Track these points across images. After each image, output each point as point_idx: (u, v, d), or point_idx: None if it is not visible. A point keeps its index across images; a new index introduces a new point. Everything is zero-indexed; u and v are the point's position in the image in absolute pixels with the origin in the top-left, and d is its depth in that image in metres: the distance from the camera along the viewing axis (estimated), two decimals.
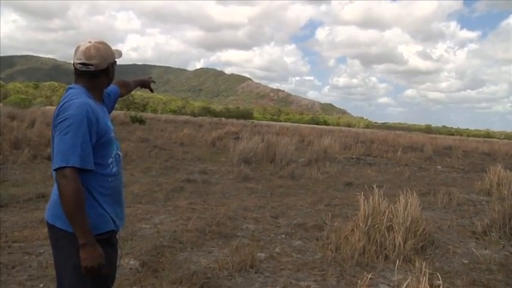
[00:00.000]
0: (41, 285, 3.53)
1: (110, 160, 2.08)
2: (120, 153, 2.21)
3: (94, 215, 1.98)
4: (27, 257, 4.08)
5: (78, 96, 2.01)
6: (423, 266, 3.12)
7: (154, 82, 3.05)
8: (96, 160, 1.99)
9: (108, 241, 2.06)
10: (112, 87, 2.43)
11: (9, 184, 7.48)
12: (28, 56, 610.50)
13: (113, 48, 2.20)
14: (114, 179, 2.10)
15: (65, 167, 1.85)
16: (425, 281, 2.84)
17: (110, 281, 2.16)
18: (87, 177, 1.96)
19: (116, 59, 2.20)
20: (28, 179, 8.14)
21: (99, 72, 2.10)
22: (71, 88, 2.10)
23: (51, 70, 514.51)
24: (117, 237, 2.25)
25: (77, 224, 1.86)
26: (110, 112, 2.39)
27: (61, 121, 1.93)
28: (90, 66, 2.06)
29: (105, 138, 2.03)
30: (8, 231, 4.76)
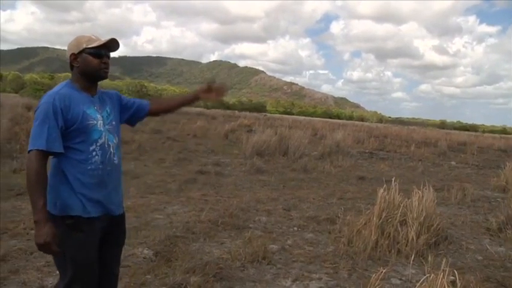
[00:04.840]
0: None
1: (92, 148, 2.14)
2: (111, 144, 2.24)
3: (64, 197, 2.11)
4: None
5: (55, 88, 2.20)
6: (443, 263, 3.10)
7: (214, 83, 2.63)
8: (75, 146, 2.11)
9: (75, 226, 2.12)
10: (140, 100, 2.54)
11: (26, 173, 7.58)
12: (45, 47, 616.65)
13: (89, 37, 2.23)
14: (95, 167, 2.15)
15: (31, 150, 2.02)
16: (442, 278, 2.82)
17: (90, 265, 2.20)
18: (66, 162, 2.11)
19: (88, 47, 2.19)
20: None
21: (70, 64, 2.24)
22: None
23: (67, 62, 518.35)
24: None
25: (32, 202, 1.99)
26: (125, 121, 2.50)
27: (35, 110, 2.12)
28: (67, 60, 2.26)
29: (78, 125, 2.11)
30: (26, 219, 4.84)
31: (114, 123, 2.32)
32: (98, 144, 2.17)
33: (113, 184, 2.28)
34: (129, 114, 2.50)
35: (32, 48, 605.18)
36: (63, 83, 2.23)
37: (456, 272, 2.88)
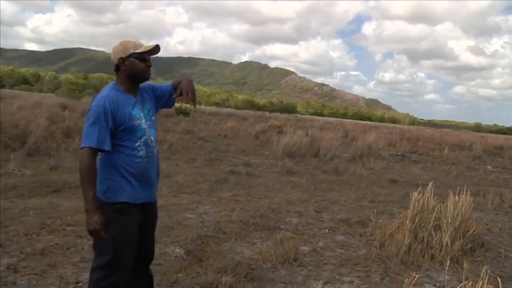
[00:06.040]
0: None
1: (137, 144, 2.43)
2: (152, 139, 2.52)
3: (114, 186, 2.38)
4: (80, 240, 4.25)
5: (103, 91, 2.45)
6: (482, 270, 3.01)
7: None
8: (123, 143, 2.39)
9: (122, 210, 2.39)
10: (169, 85, 2.75)
11: (62, 171, 7.80)
12: (80, 48, 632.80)
13: (135, 42, 2.47)
14: (141, 161, 2.44)
15: (83, 147, 2.29)
16: (481, 286, 2.73)
17: (131, 245, 2.48)
18: (115, 156, 2.38)
19: (136, 52, 2.43)
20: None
21: (116, 67, 2.47)
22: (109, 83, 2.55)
23: (100, 62, 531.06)
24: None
25: (84, 193, 2.28)
26: (162, 107, 2.75)
27: (88, 111, 2.37)
28: (111, 63, 2.49)
29: (126, 125, 2.38)
30: (62, 215, 4.98)
31: (153, 118, 2.60)
32: (142, 140, 2.44)
33: (154, 173, 2.58)
34: (165, 100, 2.73)
35: (67, 49, 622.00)
36: (110, 86, 2.48)
37: (499, 280, 2.78)
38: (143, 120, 2.47)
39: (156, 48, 2.51)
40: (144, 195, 2.50)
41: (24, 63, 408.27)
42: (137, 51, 2.43)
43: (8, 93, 32.20)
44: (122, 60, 2.43)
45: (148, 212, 2.59)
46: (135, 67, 2.44)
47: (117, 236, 2.39)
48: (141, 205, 2.49)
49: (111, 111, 2.32)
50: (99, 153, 2.37)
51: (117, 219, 2.38)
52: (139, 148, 2.43)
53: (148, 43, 2.51)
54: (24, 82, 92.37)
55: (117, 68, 2.45)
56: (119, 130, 2.36)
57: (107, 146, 2.31)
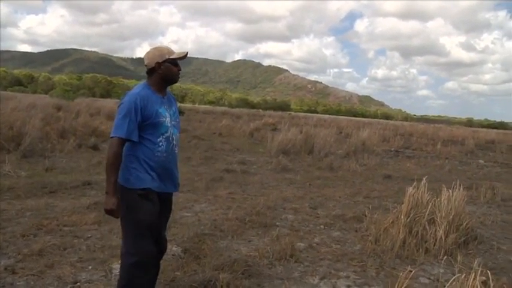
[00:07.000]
0: (90, 267, 3.69)
1: (159, 139, 2.68)
2: (174, 137, 2.78)
3: (135, 175, 2.63)
4: (77, 240, 4.27)
5: (135, 88, 2.74)
6: (475, 262, 3.07)
7: None
8: (146, 136, 2.64)
9: (145, 196, 2.64)
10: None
11: (57, 171, 7.80)
12: (74, 49, 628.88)
13: (168, 49, 2.78)
14: (160, 155, 2.69)
15: (113, 136, 2.56)
16: (473, 278, 2.78)
17: (152, 228, 2.71)
18: (138, 148, 2.64)
19: (170, 57, 2.73)
20: (74, 167, 8.46)
21: (151, 70, 2.75)
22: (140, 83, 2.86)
23: (94, 63, 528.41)
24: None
25: (107, 176, 2.55)
26: None
27: (119, 105, 2.63)
28: (145, 66, 2.77)
29: (151, 121, 2.63)
30: (59, 216, 4.98)
31: (178, 120, 2.89)
32: (164, 136, 2.71)
33: (174, 168, 2.83)
34: None
35: (61, 50, 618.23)
36: (141, 85, 2.78)
37: (489, 273, 2.83)
38: (168, 119, 2.73)
39: (186, 55, 2.83)
40: (162, 186, 2.74)
41: (18, 65, 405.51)
42: (171, 57, 2.74)
43: (1, 94, 32.01)
44: (158, 64, 2.71)
45: (164, 202, 2.83)
46: (170, 71, 2.75)
47: (142, 218, 2.63)
48: (159, 194, 2.73)
49: (141, 107, 2.58)
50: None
51: (141, 203, 2.62)
52: (160, 143, 2.67)
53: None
54: (18, 83, 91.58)
55: (152, 71, 2.74)
56: (144, 124, 2.61)
57: (135, 137, 2.58)
